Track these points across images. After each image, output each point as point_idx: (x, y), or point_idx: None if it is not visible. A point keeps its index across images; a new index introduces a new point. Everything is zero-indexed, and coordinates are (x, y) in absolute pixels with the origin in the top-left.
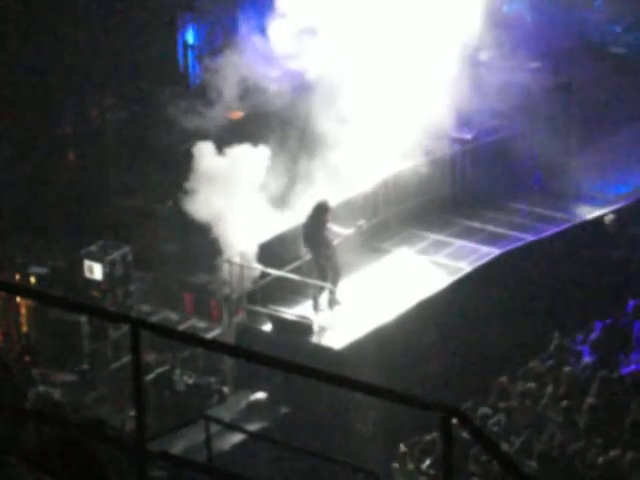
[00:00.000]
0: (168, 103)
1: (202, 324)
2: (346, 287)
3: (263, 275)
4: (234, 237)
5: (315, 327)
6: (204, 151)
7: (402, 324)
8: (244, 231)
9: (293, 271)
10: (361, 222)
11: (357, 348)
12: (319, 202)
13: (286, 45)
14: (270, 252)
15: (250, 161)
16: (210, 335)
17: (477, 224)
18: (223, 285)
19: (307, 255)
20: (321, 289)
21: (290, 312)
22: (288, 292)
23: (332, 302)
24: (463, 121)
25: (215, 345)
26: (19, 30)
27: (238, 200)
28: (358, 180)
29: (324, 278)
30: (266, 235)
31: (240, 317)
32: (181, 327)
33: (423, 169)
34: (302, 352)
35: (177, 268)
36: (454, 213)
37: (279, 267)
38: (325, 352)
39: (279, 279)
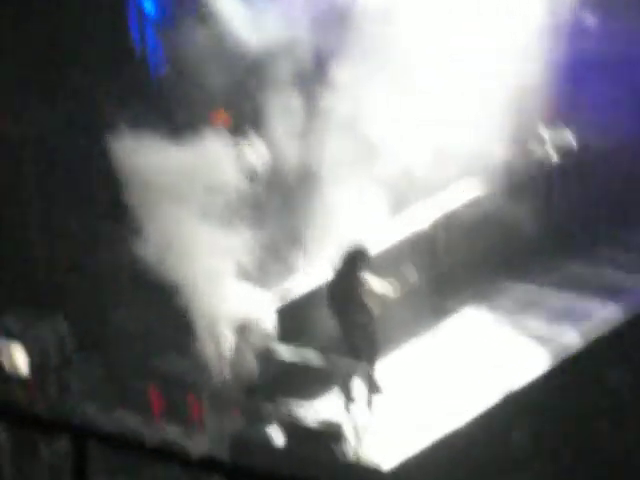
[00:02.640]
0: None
1: (176, 431)
2: (392, 370)
3: (271, 357)
4: (218, 296)
5: (346, 434)
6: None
7: (480, 428)
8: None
9: (313, 349)
10: (410, 271)
11: (416, 467)
12: (352, 248)
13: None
14: (284, 321)
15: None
16: (189, 447)
17: (586, 269)
18: (206, 372)
19: (333, 325)
20: (353, 373)
21: (309, 411)
22: (305, 379)
23: (371, 392)
24: (562, 120)
25: (197, 463)
26: None
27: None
28: (411, 214)
29: (358, 357)
30: (277, 297)
31: (234, 420)
32: (145, 436)
33: (505, 195)
34: (330, 474)
35: (135, 347)
36: (551, 254)
37: (294, 343)
38: (367, 475)
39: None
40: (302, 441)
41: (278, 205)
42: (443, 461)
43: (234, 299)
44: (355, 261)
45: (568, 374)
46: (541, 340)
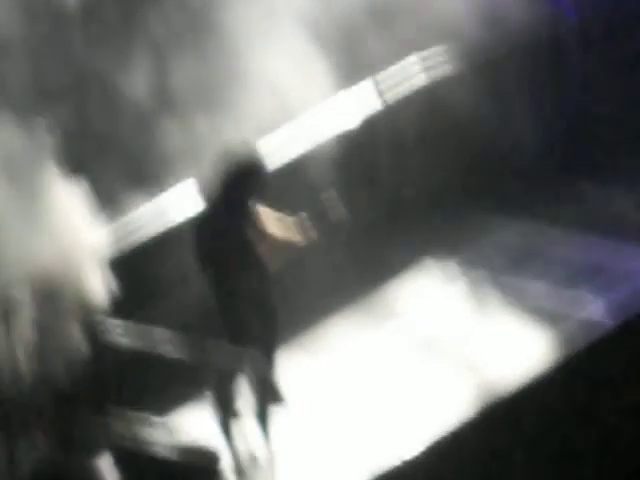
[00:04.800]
0: None
1: None
2: (302, 366)
3: (100, 342)
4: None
5: (225, 470)
6: None
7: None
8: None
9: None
10: (331, 201)
11: None
12: (237, 160)
13: None
14: (123, 281)
15: None
16: None
17: (615, 200)
18: None
19: (203, 289)
20: (237, 370)
21: (163, 430)
22: (156, 378)
23: (266, 402)
24: None
25: None
26: None
27: None
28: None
29: (244, 343)
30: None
31: (37, 447)
32: None
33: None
34: None
35: None
36: (560, 172)
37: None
38: None
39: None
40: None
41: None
42: None
43: (37, 242)
44: (242, 182)
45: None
46: (546, 316)
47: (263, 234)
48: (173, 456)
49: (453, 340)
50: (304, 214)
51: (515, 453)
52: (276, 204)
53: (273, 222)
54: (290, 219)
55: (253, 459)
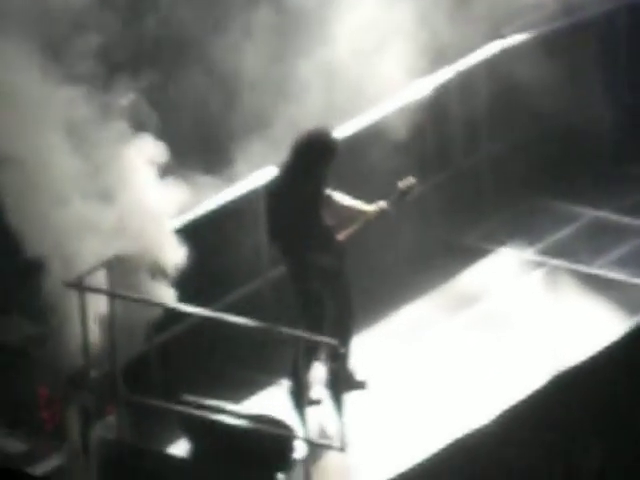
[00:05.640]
0: None
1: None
2: (379, 350)
3: (166, 320)
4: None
5: (301, 445)
6: None
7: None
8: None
9: (238, 307)
10: (408, 182)
11: None
12: (310, 136)
13: None
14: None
15: None
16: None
17: None
18: (62, 347)
19: (275, 269)
20: (312, 353)
21: (235, 408)
22: (226, 358)
23: (343, 387)
24: None
25: None
26: None
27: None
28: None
29: (317, 321)
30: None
31: (109, 423)
32: None
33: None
34: None
35: None
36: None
37: (204, 301)
38: None
39: (202, 327)
40: (223, 452)
41: None
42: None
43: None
44: (316, 155)
45: None
46: (622, 304)
47: (341, 207)
48: (247, 427)
49: (529, 328)
50: (380, 202)
51: (583, 427)
52: (347, 186)
53: (347, 204)
54: (363, 204)
55: (327, 438)
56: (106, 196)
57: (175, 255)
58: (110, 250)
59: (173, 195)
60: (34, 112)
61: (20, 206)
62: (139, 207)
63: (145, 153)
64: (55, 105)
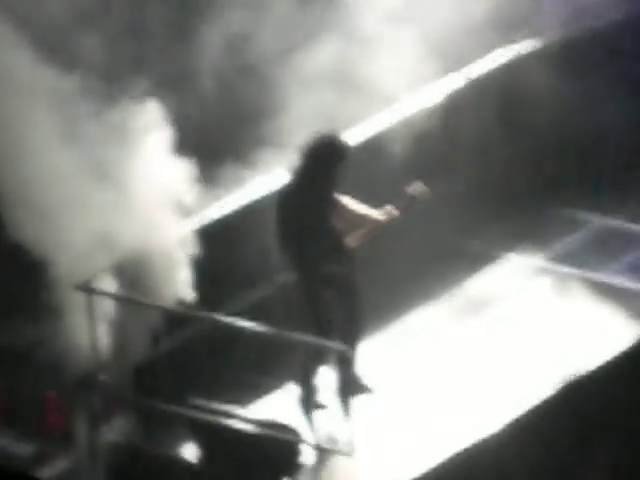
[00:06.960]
0: None
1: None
2: (386, 354)
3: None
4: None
5: (308, 449)
6: None
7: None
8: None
9: (248, 312)
10: (418, 188)
11: None
12: (320, 140)
13: None
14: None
15: None
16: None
17: None
18: (71, 350)
19: (284, 274)
20: (320, 358)
21: (244, 411)
22: (234, 363)
23: (350, 391)
24: None
25: None
26: None
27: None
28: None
29: (326, 326)
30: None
31: (117, 426)
32: None
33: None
34: None
35: None
36: None
37: (213, 305)
38: None
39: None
40: (233, 458)
41: None
42: None
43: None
44: (326, 159)
45: None
46: (631, 312)
47: (350, 212)
48: (254, 432)
49: (538, 335)
50: (389, 206)
51: (592, 435)
52: (357, 190)
53: (356, 209)
54: (372, 209)
55: (334, 442)
56: (114, 193)
57: (184, 251)
58: (118, 251)
59: (183, 189)
60: (35, 102)
61: (22, 205)
62: (147, 201)
63: (157, 146)
64: (61, 96)
